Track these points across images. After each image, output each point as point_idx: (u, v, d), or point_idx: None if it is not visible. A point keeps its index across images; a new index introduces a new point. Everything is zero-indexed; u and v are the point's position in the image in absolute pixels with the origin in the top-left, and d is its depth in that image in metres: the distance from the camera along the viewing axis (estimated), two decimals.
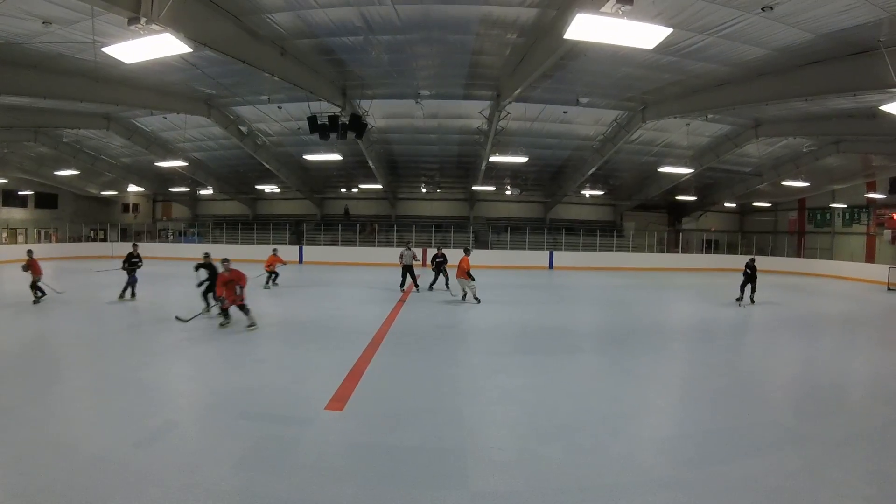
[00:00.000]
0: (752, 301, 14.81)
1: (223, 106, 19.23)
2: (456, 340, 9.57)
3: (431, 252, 17.49)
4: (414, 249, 16.96)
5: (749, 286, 14.86)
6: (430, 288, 16.05)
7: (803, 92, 12.56)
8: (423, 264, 17.05)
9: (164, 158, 22.24)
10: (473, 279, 13.52)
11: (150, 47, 7.61)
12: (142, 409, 5.50)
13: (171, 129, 22.13)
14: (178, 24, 8.49)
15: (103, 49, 7.63)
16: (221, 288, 9.53)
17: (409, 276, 15.96)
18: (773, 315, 13.43)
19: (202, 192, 32.75)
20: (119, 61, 8.09)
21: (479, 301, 13.58)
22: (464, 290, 13.89)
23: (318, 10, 10.98)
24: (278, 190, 31.54)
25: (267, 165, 25.22)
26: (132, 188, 30.68)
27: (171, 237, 33.71)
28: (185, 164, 22.12)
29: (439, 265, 16.12)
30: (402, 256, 16.18)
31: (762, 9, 9.34)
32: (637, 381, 7.41)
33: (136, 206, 38.20)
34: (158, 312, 11.42)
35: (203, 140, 23.76)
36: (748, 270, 14.87)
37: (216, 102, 18.73)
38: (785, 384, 7.75)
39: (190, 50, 8.14)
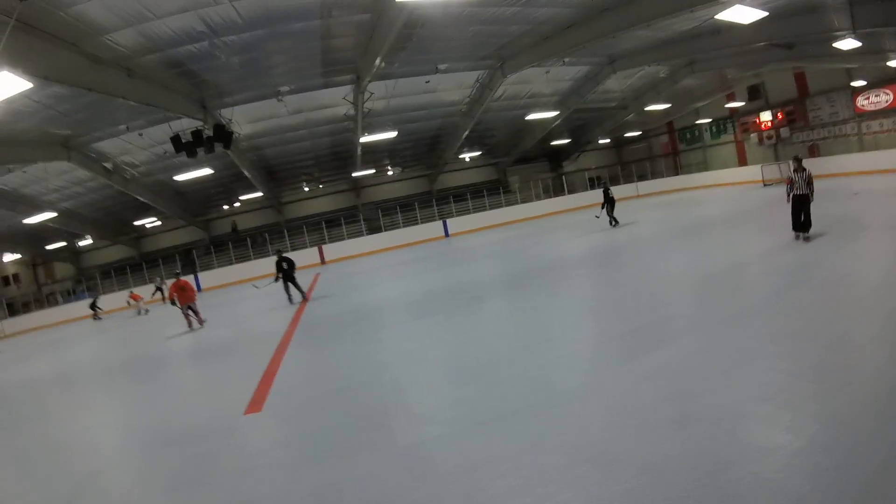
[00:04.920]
0: (616, 221, 17.34)
1: (82, 145, 17.74)
2: (361, 320, 9.99)
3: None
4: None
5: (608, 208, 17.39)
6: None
7: (643, 18, 13.05)
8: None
9: (31, 215, 20.31)
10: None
11: None
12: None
13: (33, 182, 20.09)
14: (13, 62, 7.88)
15: None
16: None
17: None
18: (658, 229, 14.61)
19: (81, 243, 29.99)
20: None
21: None
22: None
23: (157, 22, 10.68)
24: (160, 223, 29.70)
25: (141, 199, 23.48)
26: (7, 257, 27.87)
27: (61, 299, 30.84)
28: (55, 214, 20.28)
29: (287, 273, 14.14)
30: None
31: None
32: (537, 314, 8.03)
33: (16, 277, 34.36)
34: None
35: (69, 187, 21.76)
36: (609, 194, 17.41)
37: (74, 143, 17.29)
38: (678, 282, 8.52)
39: (31, 86, 7.81)
